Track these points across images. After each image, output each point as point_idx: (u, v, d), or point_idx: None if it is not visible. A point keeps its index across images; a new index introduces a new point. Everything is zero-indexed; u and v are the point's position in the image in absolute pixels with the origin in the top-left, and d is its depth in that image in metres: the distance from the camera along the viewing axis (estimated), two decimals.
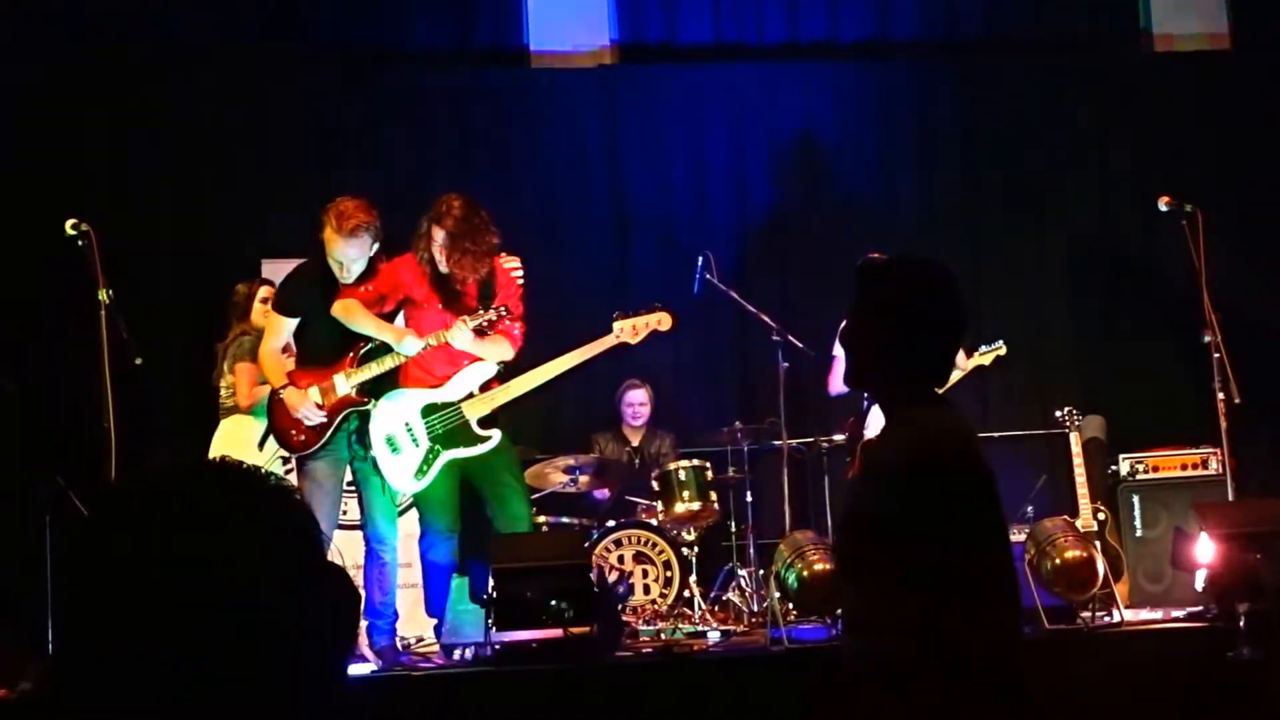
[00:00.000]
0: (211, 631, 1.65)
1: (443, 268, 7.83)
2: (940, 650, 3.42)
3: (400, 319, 8.03)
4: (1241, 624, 7.11)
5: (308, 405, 7.79)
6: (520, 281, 8.14)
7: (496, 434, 7.92)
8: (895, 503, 3.54)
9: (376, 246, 7.88)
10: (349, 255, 7.78)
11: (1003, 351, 9.83)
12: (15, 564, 8.68)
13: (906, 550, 3.51)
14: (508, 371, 8.11)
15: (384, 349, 7.85)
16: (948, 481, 3.55)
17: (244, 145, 11.17)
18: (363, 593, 7.87)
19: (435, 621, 8.09)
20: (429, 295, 7.90)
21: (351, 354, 7.86)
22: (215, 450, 8.90)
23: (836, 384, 9.52)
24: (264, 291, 9.16)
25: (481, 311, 7.74)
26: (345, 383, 7.83)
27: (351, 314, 7.80)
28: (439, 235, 7.80)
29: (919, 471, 3.54)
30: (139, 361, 8.00)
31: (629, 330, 8.16)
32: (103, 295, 7.87)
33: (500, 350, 7.95)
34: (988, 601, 3.55)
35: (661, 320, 8.22)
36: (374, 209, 7.82)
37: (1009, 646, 3.58)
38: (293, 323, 8.01)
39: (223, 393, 9.12)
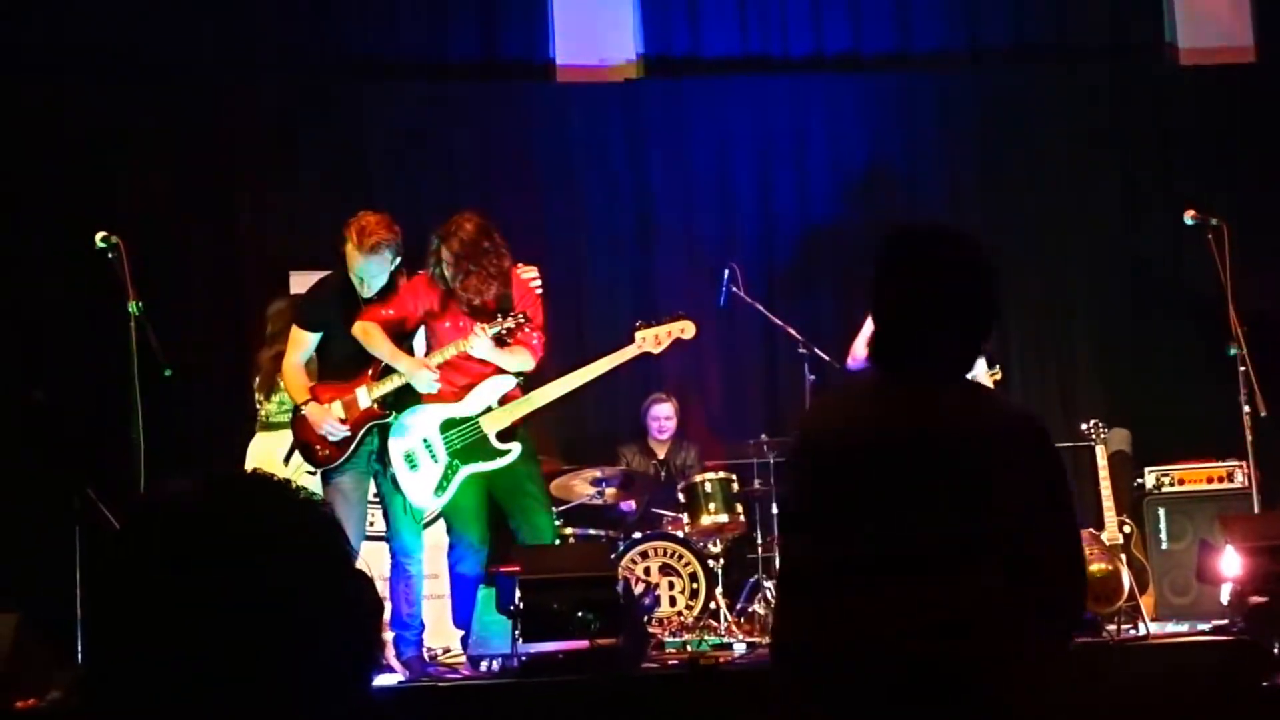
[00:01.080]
0: (240, 642, 1.67)
1: (451, 284, 7.85)
2: None
3: (421, 334, 8.05)
4: (1276, 650, 7.08)
5: (330, 421, 7.81)
6: (539, 291, 8.13)
7: (516, 447, 7.91)
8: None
9: (398, 261, 7.91)
10: (370, 271, 7.81)
11: (999, 376, 9.88)
12: (45, 574, 8.73)
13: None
14: (528, 383, 8.10)
15: None
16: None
17: (272, 157, 11.22)
18: (389, 604, 7.91)
19: (462, 633, 8.11)
20: (445, 310, 7.92)
21: (373, 367, 7.89)
22: (252, 465, 8.92)
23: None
24: None
25: (500, 319, 7.74)
26: (367, 396, 7.85)
27: (370, 338, 7.81)
28: (445, 254, 7.82)
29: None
30: (168, 373, 8.05)
31: (651, 340, 8.12)
32: (132, 307, 7.91)
33: (520, 360, 7.93)
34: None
35: (685, 329, 8.18)
36: (396, 225, 7.84)
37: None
38: (315, 337, 8.04)
39: (273, 407, 9.08)
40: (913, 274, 3.55)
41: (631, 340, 8.14)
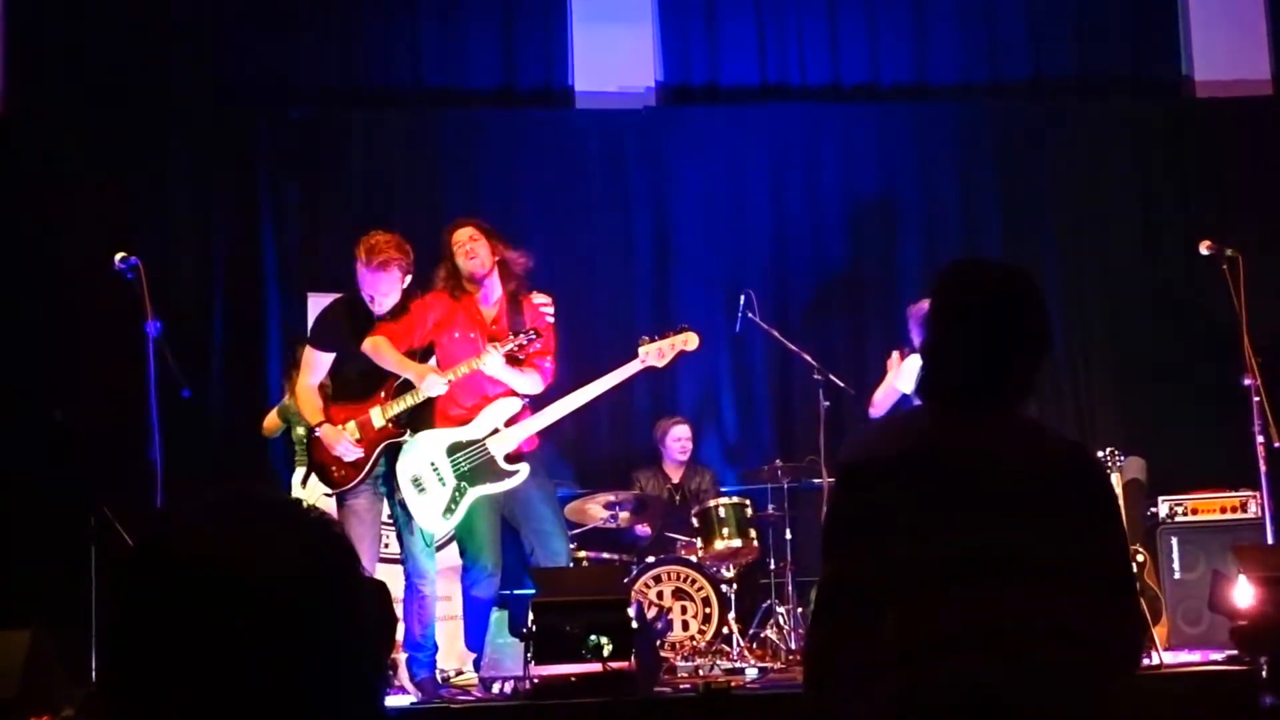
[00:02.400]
0: (250, 660, 1.68)
1: (478, 262, 7.92)
2: None
3: (433, 357, 8.07)
4: (1264, 673, 7.08)
5: (344, 442, 7.82)
6: (550, 319, 8.15)
7: (524, 468, 7.90)
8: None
9: (409, 280, 7.94)
10: (379, 289, 7.85)
11: None
12: (61, 592, 8.76)
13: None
14: (535, 405, 8.12)
15: None
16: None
17: (292, 180, 11.26)
18: (402, 626, 7.93)
19: (475, 655, 8.12)
20: (457, 326, 7.94)
21: (386, 387, 7.90)
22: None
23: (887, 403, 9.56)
24: None
25: (512, 337, 7.77)
26: (381, 416, 7.87)
27: (379, 351, 7.82)
28: (466, 232, 7.96)
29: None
30: (186, 393, 8.08)
31: (654, 354, 8.08)
32: (151, 327, 7.94)
33: (530, 382, 7.94)
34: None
35: (688, 340, 8.14)
36: (406, 244, 7.89)
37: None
38: (328, 357, 8.06)
39: None
40: (972, 308, 3.51)
41: (635, 355, 8.14)
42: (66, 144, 10.92)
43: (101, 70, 11.15)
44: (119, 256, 8.00)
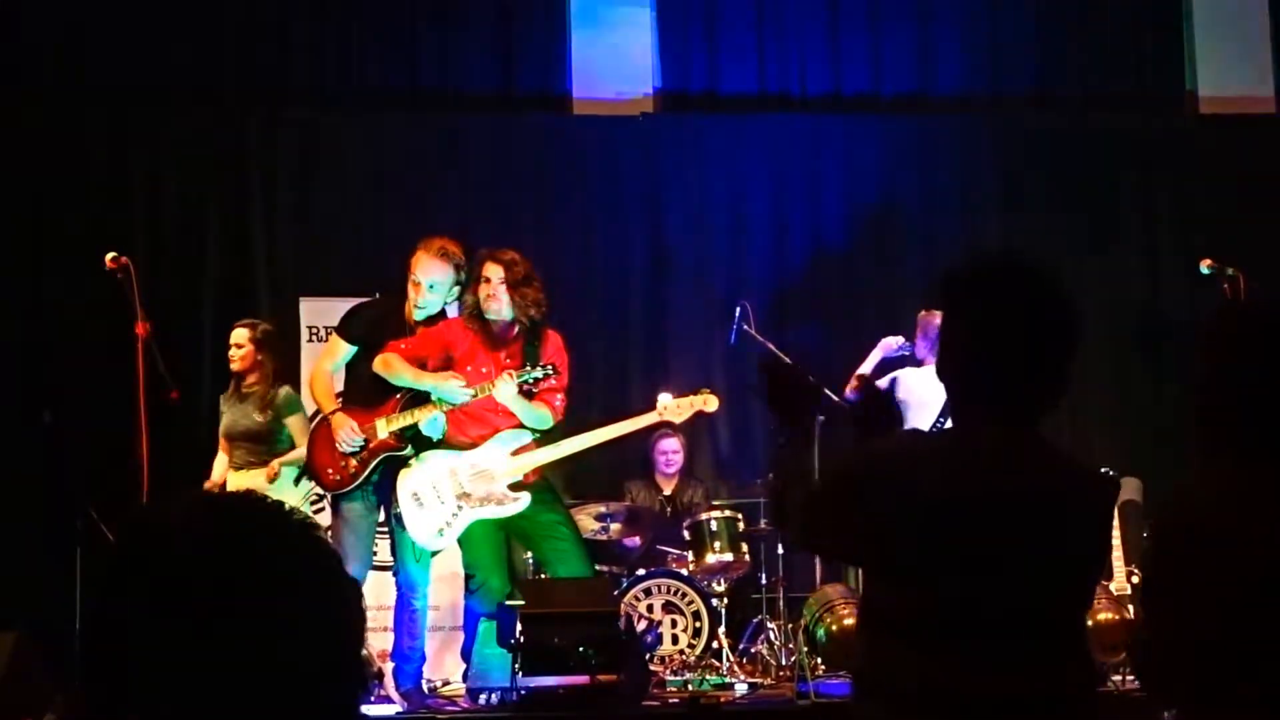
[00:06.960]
0: (233, 659, 1.67)
1: (497, 308, 7.82)
2: None
3: None
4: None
5: (348, 429, 7.77)
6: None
7: (525, 496, 7.86)
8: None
9: (456, 290, 7.91)
10: (439, 286, 7.82)
11: None
12: (47, 593, 8.71)
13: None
14: (544, 438, 8.08)
15: (426, 397, 7.83)
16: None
17: (286, 185, 11.22)
18: (391, 636, 7.91)
19: (465, 666, 8.09)
20: (473, 351, 7.88)
21: (397, 397, 7.85)
22: None
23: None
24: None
25: (528, 368, 7.72)
26: (386, 427, 7.82)
27: (391, 368, 7.78)
28: (495, 271, 7.81)
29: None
30: (174, 395, 8.02)
31: (673, 409, 8.12)
32: (140, 329, 7.90)
33: (539, 416, 7.89)
34: None
35: (708, 401, 8.19)
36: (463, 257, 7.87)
37: None
38: (350, 351, 8.00)
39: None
40: (1010, 312, 3.19)
41: (653, 406, 8.17)
42: (57, 143, 10.86)
43: (94, 69, 11.11)
44: (110, 257, 7.97)
